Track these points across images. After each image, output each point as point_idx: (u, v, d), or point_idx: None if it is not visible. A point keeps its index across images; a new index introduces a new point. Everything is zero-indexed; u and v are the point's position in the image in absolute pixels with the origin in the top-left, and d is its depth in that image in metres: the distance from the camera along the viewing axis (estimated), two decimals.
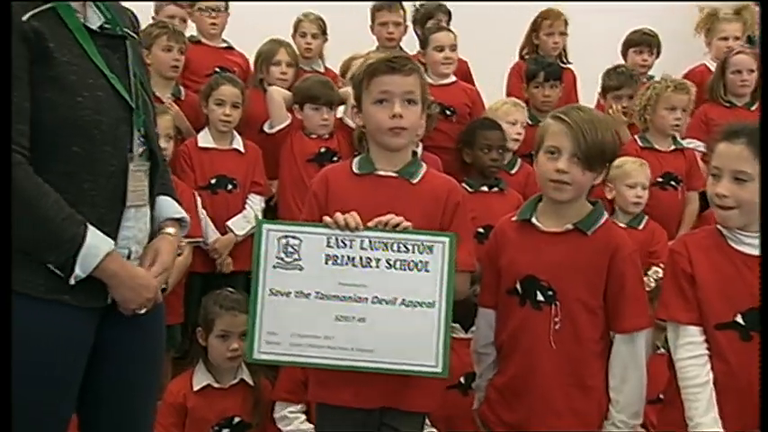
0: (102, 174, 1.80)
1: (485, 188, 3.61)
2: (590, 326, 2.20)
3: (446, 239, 2.08)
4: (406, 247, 2.07)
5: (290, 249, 2.08)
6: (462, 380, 2.94)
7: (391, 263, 2.07)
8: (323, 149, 3.67)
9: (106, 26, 1.86)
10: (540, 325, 2.20)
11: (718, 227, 2.17)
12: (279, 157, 3.75)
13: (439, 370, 2.04)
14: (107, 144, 1.80)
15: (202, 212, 3.53)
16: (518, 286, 2.23)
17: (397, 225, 2.10)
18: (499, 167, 3.67)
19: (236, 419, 2.96)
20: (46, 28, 1.72)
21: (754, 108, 4.13)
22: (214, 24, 4.27)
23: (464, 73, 4.47)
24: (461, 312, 2.93)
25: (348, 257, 2.08)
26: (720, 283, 2.11)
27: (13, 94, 1.67)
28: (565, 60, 4.55)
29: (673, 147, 3.87)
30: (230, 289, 3.10)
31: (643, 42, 4.61)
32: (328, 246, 2.08)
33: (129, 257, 1.86)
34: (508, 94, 4.36)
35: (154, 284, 1.86)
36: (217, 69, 4.08)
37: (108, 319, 1.86)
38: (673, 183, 3.80)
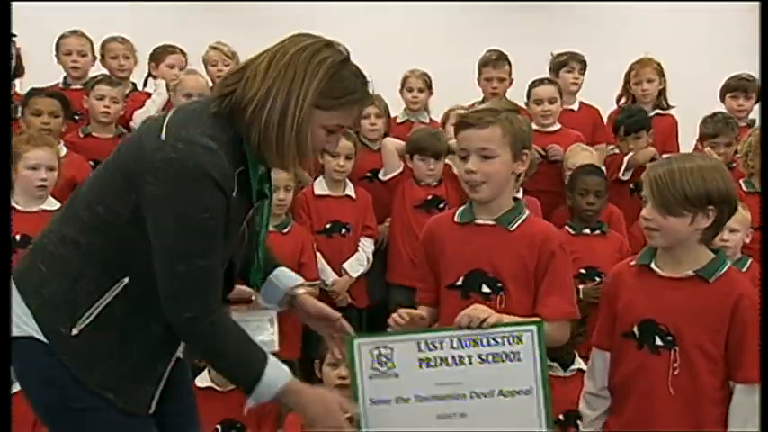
0: None
1: (587, 231, 3.55)
2: (709, 373, 2.05)
3: (534, 328, 1.98)
4: (496, 341, 1.97)
5: (383, 359, 1.99)
6: (561, 417, 2.83)
7: (483, 357, 1.98)
8: (430, 197, 3.72)
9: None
10: (657, 369, 2.06)
11: None
12: (390, 203, 3.80)
13: None
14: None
15: (319, 255, 3.58)
16: (635, 330, 2.10)
17: (484, 320, 1.99)
18: (596, 212, 3.57)
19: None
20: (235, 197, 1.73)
21: None
22: None
23: (594, 120, 4.41)
24: (561, 351, 2.86)
25: (441, 358, 1.98)
26: None
27: (219, 254, 1.71)
28: (665, 105, 4.39)
29: None
30: None
31: (739, 88, 4.39)
32: (419, 350, 1.99)
33: None
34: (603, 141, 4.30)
35: (341, 424, 1.84)
36: None
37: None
38: None
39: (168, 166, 1.62)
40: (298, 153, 1.72)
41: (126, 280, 1.71)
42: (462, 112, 3.82)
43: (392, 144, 3.85)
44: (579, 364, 3.08)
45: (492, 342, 1.96)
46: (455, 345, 1.97)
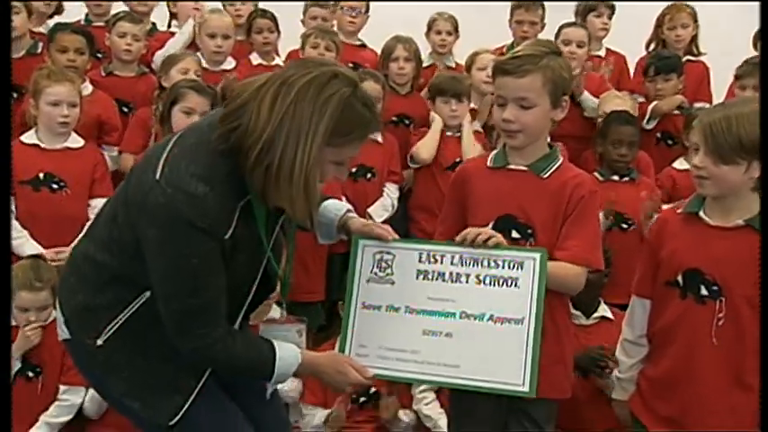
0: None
1: (615, 177, 3.42)
2: (753, 323, 1.96)
3: (537, 255, 1.90)
4: (497, 263, 1.90)
5: (383, 264, 1.95)
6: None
7: (481, 278, 1.90)
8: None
9: None
10: (701, 319, 1.99)
11: None
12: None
13: (526, 389, 1.83)
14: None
15: (344, 199, 3.41)
16: (679, 278, 2.02)
17: (488, 240, 1.92)
18: (627, 162, 3.43)
19: (372, 389, 2.93)
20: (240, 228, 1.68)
21: None
22: (352, 23, 4.26)
23: (620, 66, 4.27)
24: (584, 299, 2.78)
25: (438, 273, 1.93)
26: None
27: (213, 291, 1.68)
28: (696, 52, 4.21)
29: None
30: None
31: None
32: (420, 261, 1.94)
33: None
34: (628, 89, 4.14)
35: (351, 380, 1.86)
36: (350, 65, 3.95)
37: None
38: None
39: (157, 210, 1.60)
40: (307, 199, 1.63)
41: (148, 293, 1.70)
42: (491, 56, 3.78)
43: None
44: (604, 311, 3.01)
45: (493, 264, 1.89)
46: (455, 261, 1.91)
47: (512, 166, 2.12)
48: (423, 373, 1.91)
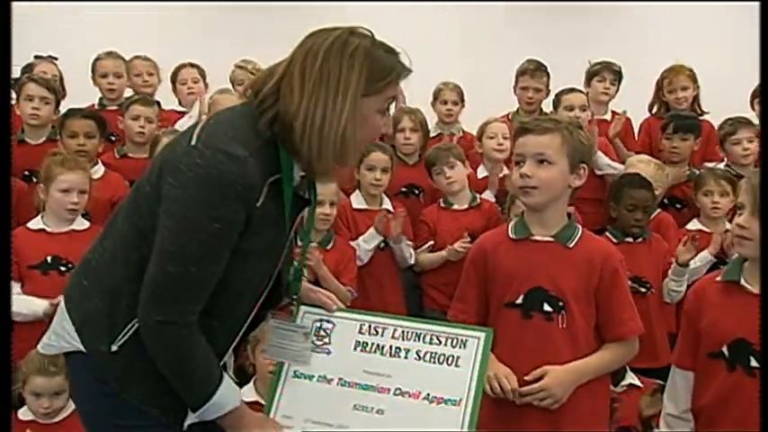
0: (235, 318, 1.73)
1: (629, 239, 3.26)
2: None
3: (482, 335, 1.77)
4: (439, 339, 1.77)
5: (321, 333, 1.82)
6: None
7: (421, 355, 1.76)
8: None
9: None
10: (753, 392, 1.84)
11: None
12: None
13: None
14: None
15: None
16: (725, 350, 1.91)
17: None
18: (642, 227, 3.29)
19: None
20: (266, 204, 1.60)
21: None
22: None
23: (625, 129, 4.13)
24: None
25: (378, 345, 1.79)
26: None
27: (215, 267, 1.57)
28: (699, 112, 4.10)
29: None
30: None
31: None
32: (360, 332, 1.81)
33: None
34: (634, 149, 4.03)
35: None
36: None
37: None
38: None
39: (191, 171, 1.51)
40: (342, 153, 1.59)
41: None
42: (501, 124, 3.70)
43: None
44: (631, 378, 2.89)
45: (435, 340, 1.76)
46: (396, 335, 1.79)
47: (536, 237, 2.06)
48: None
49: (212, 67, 4.42)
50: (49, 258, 2.95)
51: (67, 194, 3.00)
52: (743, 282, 1.94)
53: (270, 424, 1.73)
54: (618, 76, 4.19)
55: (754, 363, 1.86)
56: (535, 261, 2.03)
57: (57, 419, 2.68)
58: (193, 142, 1.54)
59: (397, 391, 1.72)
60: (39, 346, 1.72)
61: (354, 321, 1.82)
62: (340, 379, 1.76)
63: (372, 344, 1.78)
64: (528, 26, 5.68)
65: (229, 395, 1.64)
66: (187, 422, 1.64)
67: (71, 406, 2.63)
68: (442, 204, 3.52)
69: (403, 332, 1.78)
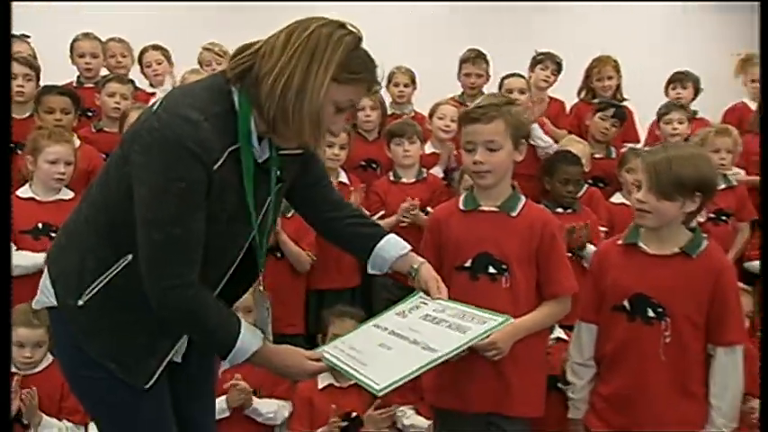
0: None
1: (560, 210, 3.41)
2: (695, 339, 2.06)
3: (500, 319, 1.79)
4: (470, 317, 1.81)
5: (414, 308, 1.89)
6: None
7: (449, 323, 1.80)
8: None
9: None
10: (650, 339, 2.06)
11: None
12: None
13: (376, 389, 1.65)
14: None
15: None
16: (626, 303, 2.09)
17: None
18: (574, 198, 3.48)
19: (354, 414, 2.90)
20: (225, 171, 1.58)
21: None
22: None
23: (557, 111, 4.38)
24: None
25: (428, 315, 1.85)
26: None
27: (195, 225, 1.57)
28: (620, 98, 4.38)
29: (723, 185, 3.57)
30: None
31: (677, 80, 4.53)
32: (427, 306, 1.87)
33: None
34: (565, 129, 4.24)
35: (307, 368, 1.74)
36: None
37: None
38: (723, 217, 3.60)
39: (150, 135, 1.53)
40: (316, 126, 1.57)
41: (130, 257, 1.62)
42: (450, 107, 3.86)
43: None
44: (559, 333, 2.99)
45: (466, 317, 1.80)
46: (447, 311, 1.83)
47: (483, 208, 2.18)
48: (346, 365, 1.77)
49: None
50: (39, 225, 3.04)
51: (55, 165, 3.08)
52: (641, 244, 2.11)
53: (295, 354, 1.75)
54: (558, 67, 4.39)
55: (651, 314, 2.05)
56: (482, 229, 2.15)
57: (35, 371, 2.76)
58: (154, 108, 1.57)
59: (413, 341, 1.76)
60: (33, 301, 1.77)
61: (431, 301, 1.86)
62: (388, 329, 1.82)
63: (427, 314, 1.83)
64: (475, 22, 5.92)
65: (250, 339, 1.65)
66: (150, 383, 1.68)
67: (48, 360, 2.77)
68: (392, 178, 3.62)
69: (451, 310, 1.82)
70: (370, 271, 1.93)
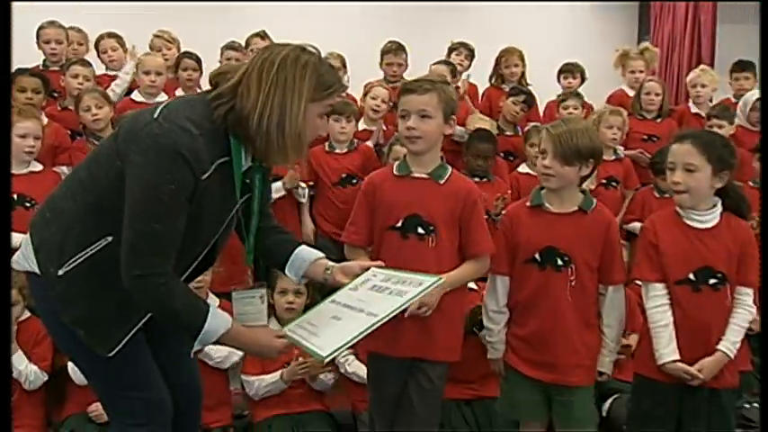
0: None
1: (476, 179, 3.49)
2: (591, 281, 2.21)
3: (432, 280, 1.78)
4: (408, 281, 1.81)
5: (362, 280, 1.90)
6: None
7: (392, 290, 1.79)
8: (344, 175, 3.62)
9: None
10: (559, 284, 2.17)
11: (676, 208, 2.22)
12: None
13: (322, 356, 1.64)
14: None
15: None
16: (537, 256, 2.19)
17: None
18: (485, 171, 3.61)
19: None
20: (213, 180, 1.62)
21: (659, 120, 4.31)
22: None
23: (473, 93, 4.57)
24: None
25: (376, 285, 1.85)
26: (677, 249, 2.17)
27: (175, 224, 1.60)
28: (524, 83, 4.59)
29: (613, 157, 3.89)
30: None
31: (568, 70, 4.79)
32: (375, 278, 1.88)
33: None
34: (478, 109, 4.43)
35: (276, 345, 1.77)
36: None
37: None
38: (614, 183, 3.89)
39: (150, 139, 1.56)
40: (299, 147, 1.64)
41: (110, 239, 1.63)
42: (381, 89, 3.95)
43: None
44: (471, 283, 2.97)
45: (406, 282, 1.80)
46: (390, 280, 1.83)
47: (415, 174, 2.19)
48: (303, 338, 1.78)
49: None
50: (15, 196, 3.01)
51: (25, 139, 3.08)
52: (546, 204, 2.21)
53: (263, 333, 1.78)
54: (471, 53, 4.56)
55: (560, 262, 2.15)
56: (413, 193, 2.15)
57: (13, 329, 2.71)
58: (155, 115, 1.58)
59: (359, 309, 1.75)
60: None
61: (379, 272, 1.88)
62: (341, 303, 1.82)
63: (375, 285, 1.83)
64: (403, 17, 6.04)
65: (218, 322, 1.67)
66: (113, 351, 1.68)
67: (26, 315, 2.76)
68: (327, 149, 3.58)
69: (395, 279, 1.83)
70: (287, 274, 1.93)
